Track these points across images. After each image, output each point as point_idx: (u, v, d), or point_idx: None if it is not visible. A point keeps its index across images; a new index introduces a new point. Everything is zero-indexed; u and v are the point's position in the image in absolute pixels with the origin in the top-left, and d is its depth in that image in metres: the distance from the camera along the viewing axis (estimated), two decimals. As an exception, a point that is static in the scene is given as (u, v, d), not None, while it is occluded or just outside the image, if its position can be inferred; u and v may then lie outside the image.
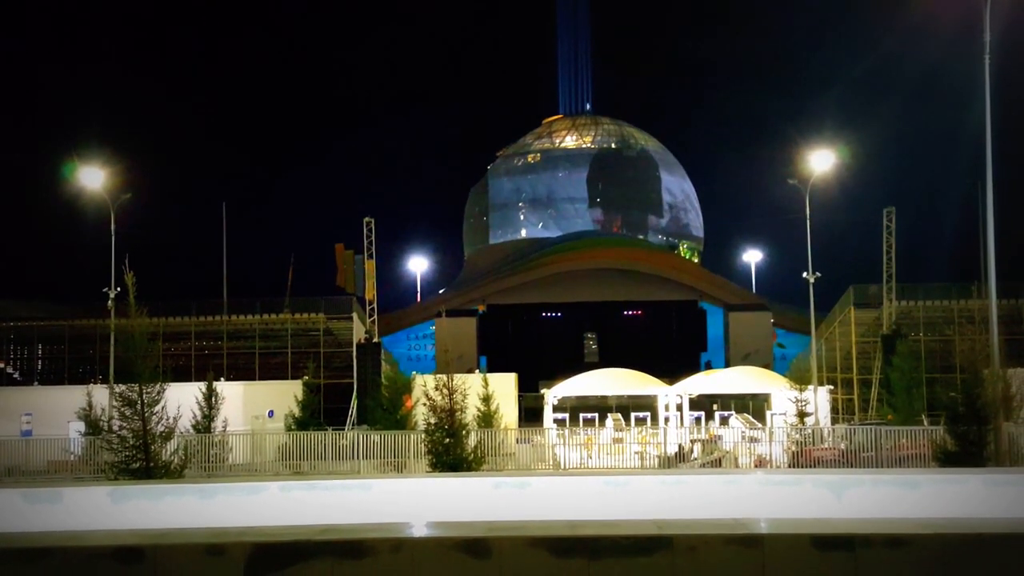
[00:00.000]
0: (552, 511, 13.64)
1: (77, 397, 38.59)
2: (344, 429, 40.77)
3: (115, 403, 25.97)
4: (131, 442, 24.92)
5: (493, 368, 60.65)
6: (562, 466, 36.38)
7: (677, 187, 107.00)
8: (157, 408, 24.95)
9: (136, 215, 48.00)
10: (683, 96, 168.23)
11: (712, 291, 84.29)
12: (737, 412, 48.69)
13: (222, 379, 45.38)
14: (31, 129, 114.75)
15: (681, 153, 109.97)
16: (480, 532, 10.19)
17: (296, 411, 41.37)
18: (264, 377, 53.29)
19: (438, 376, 30.49)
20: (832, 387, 51.68)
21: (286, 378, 51.10)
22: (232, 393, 42.28)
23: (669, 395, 47.08)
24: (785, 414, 41.46)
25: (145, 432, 24.78)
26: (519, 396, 51.78)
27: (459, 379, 29.26)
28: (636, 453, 37.90)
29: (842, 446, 34.41)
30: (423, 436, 29.54)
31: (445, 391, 28.14)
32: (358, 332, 51.73)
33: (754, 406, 49.62)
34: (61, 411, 39.58)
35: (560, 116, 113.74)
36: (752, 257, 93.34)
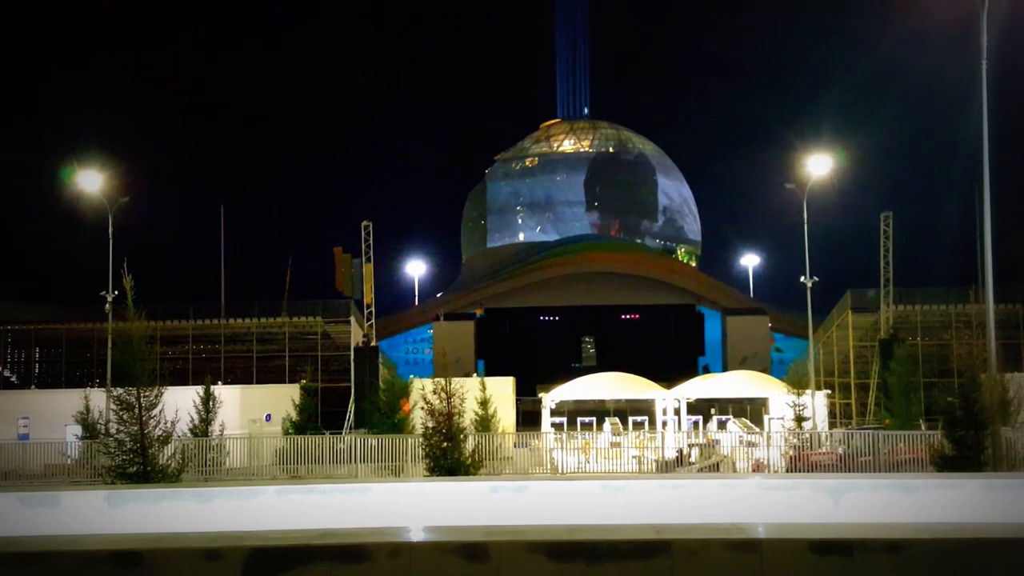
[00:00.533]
0: (550, 515, 13.65)
1: (74, 401, 38.59)
2: (342, 433, 40.75)
3: (112, 407, 25.96)
4: (128, 446, 24.87)
5: (491, 372, 60.63)
6: (560, 470, 36.37)
7: (675, 191, 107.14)
8: (155, 412, 24.89)
9: (134, 218, 48.02)
10: (681, 100, 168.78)
11: (710, 295, 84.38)
12: (735, 416, 48.74)
13: (219, 383, 45.33)
14: (30, 132, 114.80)
15: (678, 157, 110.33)
16: (478, 536, 10.18)
17: (293, 415, 41.36)
18: (262, 381, 53.24)
19: (436, 380, 30.50)
20: (830, 391, 51.72)
21: (284, 382, 51.10)
22: (229, 397, 42.28)
23: (667, 399, 47.11)
24: (783, 418, 41.52)
25: (143, 436, 24.72)
26: (517, 400, 51.78)
27: (457, 383, 29.26)
28: (634, 457, 37.91)
29: (840, 450, 34.42)
30: (421, 440, 29.53)
31: (443, 395, 28.12)
32: (356, 336, 51.71)
33: (752, 410, 49.66)
34: (58, 415, 39.58)
35: (558, 120, 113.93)
36: (750, 261, 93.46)
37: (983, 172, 28.31)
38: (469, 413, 34.14)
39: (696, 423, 46.81)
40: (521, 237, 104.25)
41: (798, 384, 42.97)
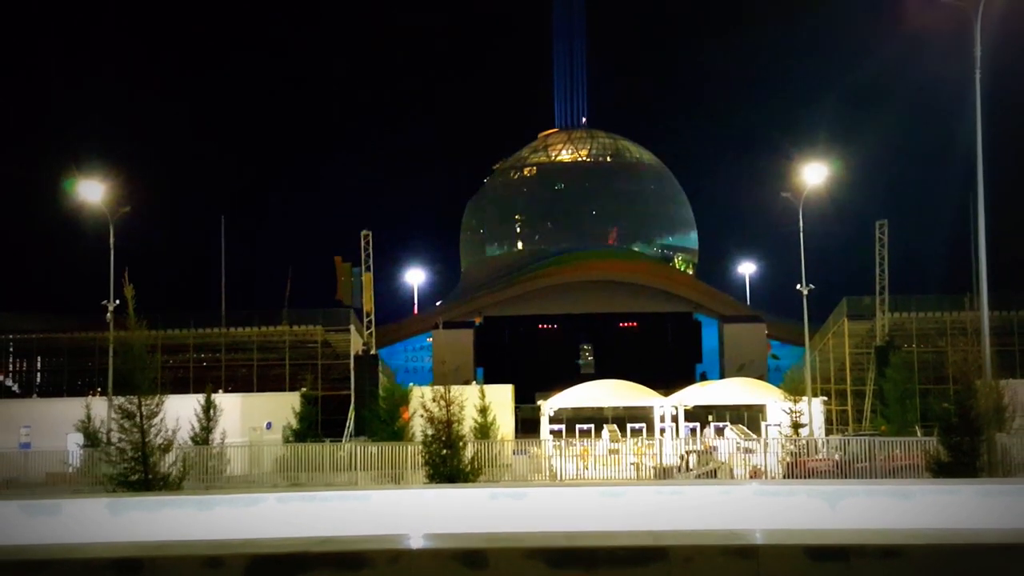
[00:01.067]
0: (549, 522, 13.73)
1: (76, 409, 38.64)
2: (342, 441, 40.82)
3: (114, 415, 26.03)
4: (130, 454, 24.94)
5: (490, 380, 60.73)
6: (558, 477, 36.47)
7: (672, 200, 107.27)
8: (156, 420, 24.96)
9: (135, 228, 48.13)
10: (678, 109, 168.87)
11: (707, 303, 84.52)
12: (732, 423, 48.82)
13: (220, 391, 45.45)
14: (31, 141, 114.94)
15: (676, 166, 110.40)
16: (477, 543, 10.28)
17: (294, 423, 41.43)
18: (262, 389, 53.30)
19: (435, 388, 30.61)
20: (826, 398, 51.86)
21: (284, 390, 51.14)
22: (230, 405, 42.36)
23: (664, 406, 47.20)
24: (780, 425, 41.63)
25: (144, 444, 24.80)
26: (516, 407, 51.87)
27: (456, 391, 29.32)
28: (632, 464, 38.00)
29: (836, 457, 34.52)
30: (420, 448, 29.61)
31: (442, 403, 28.20)
32: (356, 344, 51.81)
33: (749, 417, 49.76)
34: (60, 423, 39.59)
35: (556, 130, 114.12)
36: (746, 269, 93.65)
37: (977, 180, 28.49)
38: (468, 421, 34.21)
39: (694, 430, 46.90)
40: (519, 246, 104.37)
41: (795, 391, 43.08)
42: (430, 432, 28.36)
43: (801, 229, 44.67)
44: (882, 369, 46.57)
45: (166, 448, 25.35)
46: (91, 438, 36.59)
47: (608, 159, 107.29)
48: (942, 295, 54.00)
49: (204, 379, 46.21)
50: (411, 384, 48.55)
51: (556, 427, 45.93)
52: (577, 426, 45.97)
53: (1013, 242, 50.39)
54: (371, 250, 50.22)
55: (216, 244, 59.34)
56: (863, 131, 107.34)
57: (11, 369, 62.02)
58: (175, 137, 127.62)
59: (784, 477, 33.57)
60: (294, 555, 10.09)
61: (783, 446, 37.08)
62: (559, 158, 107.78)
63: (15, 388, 60.45)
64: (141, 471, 24.81)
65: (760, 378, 57.84)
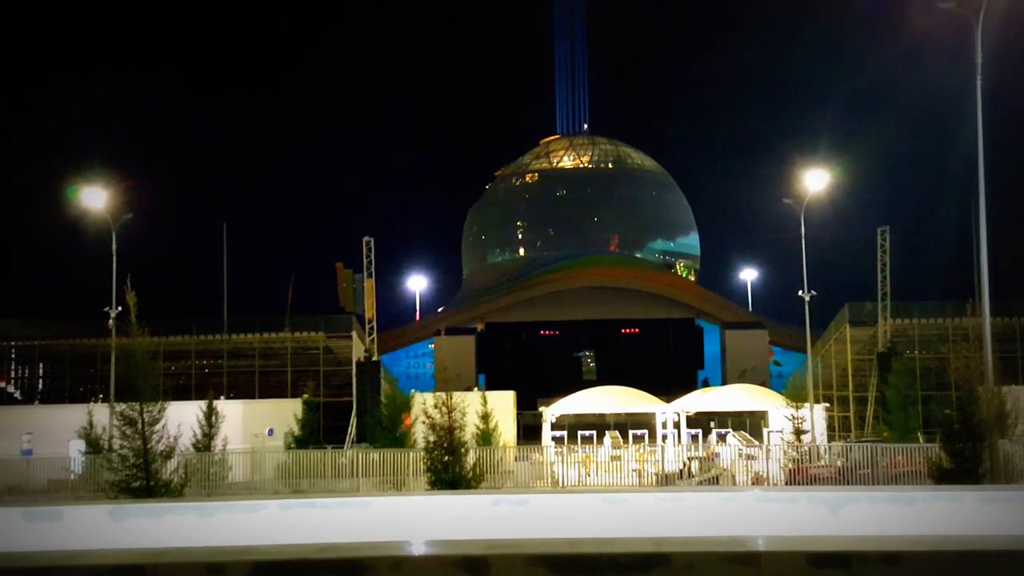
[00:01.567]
0: (551, 528, 13.72)
1: (78, 416, 38.53)
2: (343, 447, 40.82)
3: (116, 422, 26.03)
4: (132, 461, 24.97)
5: (492, 386, 60.72)
6: (560, 483, 36.43)
7: (674, 206, 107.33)
8: (157, 427, 25.00)
9: (137, 235, 48.18)
10: (680, 116, 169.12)
11: (709, 309, 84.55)
12: (734, 429, 48.80)
13: (222, 398, 45.41)
14: (33, 149, 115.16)
15: (677, 172, 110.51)
16: (479, 550, 10.27)
17: (296, 429, 41.41)
18: (264, 395, 53.32)
19: (437, 394, 30.61)
20: (828, 404, 51.80)
21: (286, 396, 51.16)
22: (232, 412, 42.34)
23: (666, 413, 47.20)
24: (782, 431, 41.59)
25: (146, 451, 24.83)
26: (517, 414, 51.87)
27: (458, 397, 29.38)
28: (634, 470, 37.97)
29: (838, 463, 34.49)
30: (422, 454, 29.61)
31: (444, 409, 28.21)
32: (357, 350, 51.83)
33: (751, 423, 49.74)
34: (62, 430, 39.60)
35: (558, 136, 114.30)
36: (748, 275, 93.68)
37: (979, 186, 28.49)
38: (470, 427, 34.21)
39: (695, 436, 46.87)
40: (521, 252, 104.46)
41: (797, 397, 43.08)
42: (432, 438, 28.38)
43: (803, 235, 44.71)
44: (884, 375, 46.55)
45: (168, 455, 25.38)
46: (93, 445, 36.50)
47: (610, 165, 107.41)
48: (944, 301, 53.99)
49: (206, 386, 46.21)
50: (413, 391, 48.51)
51: (558, 433, 45.93)
52: (579, 432, 45.98)
53: (1015, 248, 50.36)
54: (373, 256, 50.27)
55: (218, 250, 59.42)
56: (865, 137, 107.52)
57: (13, 376, 62.05)
58: (178, 144, 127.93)
59: (786, 484, 33.51)
60: (296, 562, 10.09)
61: (785, 452, 37.05)
62: (561, 164, 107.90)
63: (17, 395, 60.50)
64: (143, 478, 24.83)
65: (762, 384, 57.85)
